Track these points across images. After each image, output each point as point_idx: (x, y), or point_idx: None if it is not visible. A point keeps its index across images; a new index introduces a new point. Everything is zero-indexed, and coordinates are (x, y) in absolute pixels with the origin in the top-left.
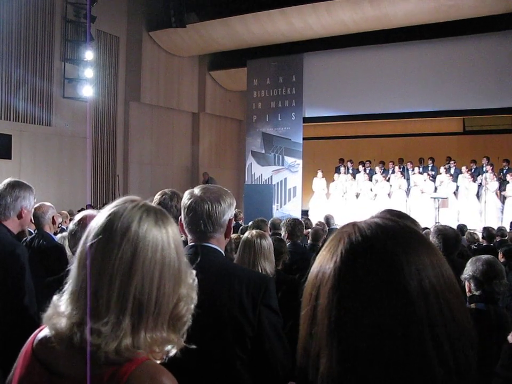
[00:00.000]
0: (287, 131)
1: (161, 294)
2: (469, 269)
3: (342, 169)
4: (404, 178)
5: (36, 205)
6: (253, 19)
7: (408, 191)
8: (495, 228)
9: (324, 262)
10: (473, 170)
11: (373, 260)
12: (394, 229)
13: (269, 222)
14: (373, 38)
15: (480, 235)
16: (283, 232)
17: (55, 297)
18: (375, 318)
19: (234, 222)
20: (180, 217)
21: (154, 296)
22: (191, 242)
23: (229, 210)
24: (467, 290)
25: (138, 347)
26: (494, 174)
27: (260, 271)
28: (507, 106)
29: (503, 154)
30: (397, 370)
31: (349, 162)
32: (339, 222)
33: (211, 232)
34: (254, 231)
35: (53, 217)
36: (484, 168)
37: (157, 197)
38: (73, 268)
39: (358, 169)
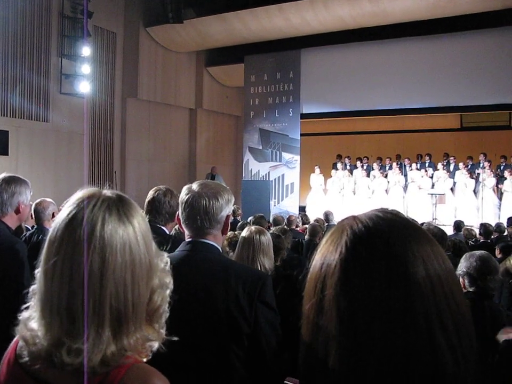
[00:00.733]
0: (285, 127)
1: (136, 295)
2: (463, 265)
3: (340, 165)
4: (401, 174)
5: (37, 201)
6: (250, 15)
7: (405, 187)
8: (492, 224)
9: (327, 254)
10: (469, 166)
11: (379, 249)
12: (396, 220)
13: (271, 218)
14: (370, 34)
15: (477, 231)
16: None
17: (25, 314)
18: (384, 307)
19: (233, 218)
20: (175, 213)
21: (130, 299)
22: (188, 238)
23: (226, 207)
24: (461, 286)
25: (125, 351)
26: (491, 171)
27: (259, 267)
28: (504, 102)
29: (500, 150)
30: (408, 359)
31: (346, 159)
32: (337, 218)
33: (208, 228)
34: (253, 227)
35: (53, 213)
36: (481, 164)
37: (151, 192)
38: (39, 281)
39: (355, 165)
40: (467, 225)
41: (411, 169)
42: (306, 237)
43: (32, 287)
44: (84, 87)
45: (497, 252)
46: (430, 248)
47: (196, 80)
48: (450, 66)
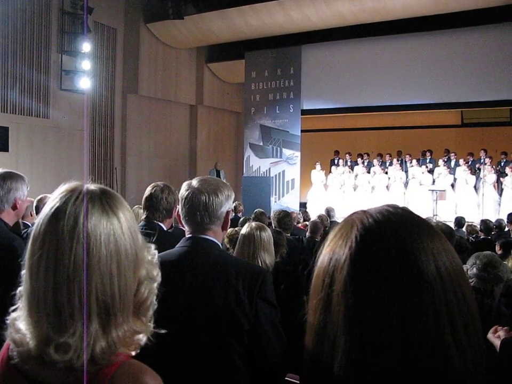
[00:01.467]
0: (285, 123)
1: (123, 287)
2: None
3: (341, 161)
4: (402, 170)
5: (38, 197)
6: (251, 11)
7: (406, 184)
8: (493, 220)
9: (336, 248)
10: (470, 162)
11: (389, 244)
12: (406, 216)
13: (272, 214)
14: (371, 30)
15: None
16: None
17: (13, 314)
18: (393, 303)
19: (233, 215)
20: (172, 209)
21: (117, 291)
22: (188, 234)
23: (226, 203)
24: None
25: (115, 347)
26: (492, 167)
27: (260, 263)
28: (505, 98)
29: (501, 146)
30: (416, 356)
31: (347, 155)
32: (338, 214)
33: (208, 224)
34: (253, 223)
35: None
36: (482, 161)
37: (148, 189)
38: (25, 279)
39: (356, 161)
40: (468, 221)
41: (412, 166)
42: (307, 233)
43: (19, 289)
44: (84, 83)
45: (497, 248)
46: (440, 244)
47: (197, 77)
48: (451, 62)
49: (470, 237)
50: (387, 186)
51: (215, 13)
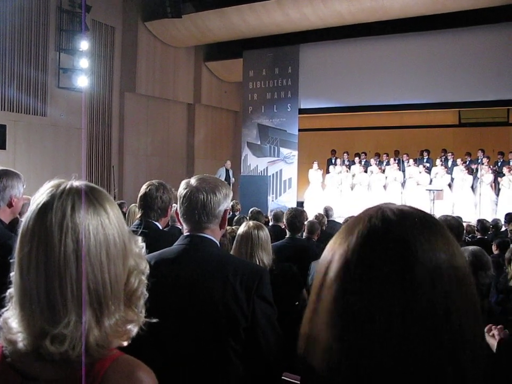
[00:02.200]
0: (283, 122)
1: (113, 275)
2: None
3: (338, 161)
4: (399, 170)
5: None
6: (249, 10)
7: (403, 183)
8: (490, 220)
9: (338, 241)
10: (467, 162)
11: (388, 243)
12: (416, 216)
13: (271, 213)
14: (369, 29)
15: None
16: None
17: (5, 314)
18: (387, 301)
19: (231, 213)
20: (168, 208)
21: (107, 279)
22: (186, 232)
23: (224, 201)
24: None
25: (107, 336)
26: (489, 167)
27: (258, 262)
28: (503, 98)
29: (498, 146)
30: (415, 357)
31: (345, 154)
32: (335, 213)
33: (205, 222)
34: (251, 222)
35: None
36: (480, 161)
37: (143, 187)
38: (15, 277)
39: (353, 161)
40: (465, 221)
41: (409, 165)
42: (304, 234)
43: (9, 291)
44: (82, 82)
45: (494, 248)
46: (445, 247)
47: (195, 75)
48: (448, 62)
49: (467, 237)
50: (384, 186)
51: (213, 12)
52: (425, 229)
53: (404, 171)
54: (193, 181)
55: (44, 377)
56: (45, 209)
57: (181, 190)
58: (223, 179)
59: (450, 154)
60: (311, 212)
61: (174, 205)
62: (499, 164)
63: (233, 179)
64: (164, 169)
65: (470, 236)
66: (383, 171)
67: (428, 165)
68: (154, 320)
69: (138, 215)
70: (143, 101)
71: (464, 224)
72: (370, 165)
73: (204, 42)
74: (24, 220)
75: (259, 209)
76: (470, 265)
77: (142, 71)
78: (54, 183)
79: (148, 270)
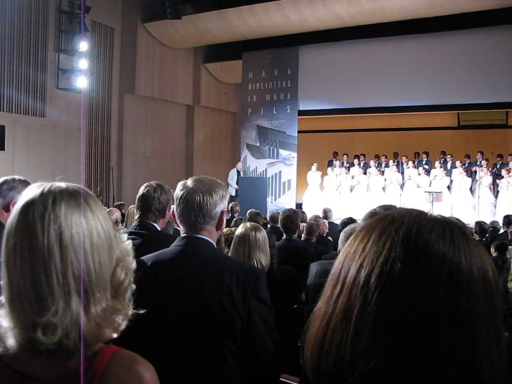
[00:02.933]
0: (282, 124)
1: (97, 263)
2: None
3: (338, 162)
4: (399, 172)
5: None
6: (248, 11)
7: (402, 185)
8: (488, 222)
9: (367, 244)
10: (466, 165)
11: (430, 251)
12: (454, 225)
13: (268, 215)
14: (368, 31)
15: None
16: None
17: None
18: (438, 313)
19: (230, 215)
20: (166, 209)
21: (92, 267)
22: (183, 233)
23: (221, 203)
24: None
25: (97, 325)
26: (488, 169)
27: (255, 263)
28: (501, 101)
29: (496, 149)
30: (450, 368)
31: (344, 156)
32: (334, 215)
33: (202, 224)
34: (248, 224)
35: None
36: (478, 163)
37: (141, 189)
38: (3, 274)
39: (352, 163)
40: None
41: (408, 167)
42: (303, 235)
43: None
44: (81, 82)
45: (492, 250)
46: (478, 250)
47: (194, 77)
48: (447, 64)
49: None
50: (383, 188)
51: (213, 13)
52: (463, 237)
53: (403, 173)
54: (189, 182)
55: (43, 375)
56: (27, 206)
57: (178, 192)
58: (234, 181)
59: (449, 156)
60: (310, 213)
61: (172, 206)
62: (498, 166)
63: None
64: (163, 170)
65: None
66: (382, 173)
67: (427, 167)
68: (142, 311)
69: (136, 216)
70: (142, 102)
71: (468, 226)
72: (370, 167)
73: (203, 43)
74: (9, 222)
75: (257, 211)
76: None
77: (141, 72)
78: (37, 184)
79: (135, 265)
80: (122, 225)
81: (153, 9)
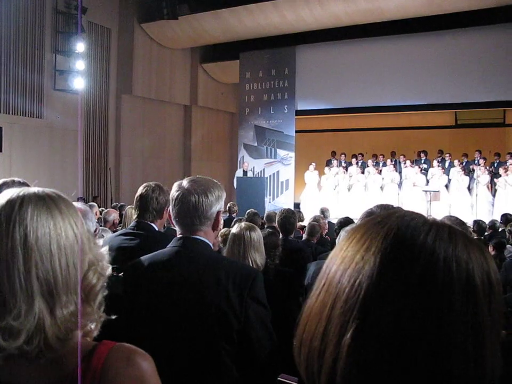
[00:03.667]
0: (280, 124)
1: (64, 266)
2: None
3: (335, 162)
4: (396, 171)
5: None
6: (245, 11)
7: (400, 184)
8: (486, 221)
9: (357, 247)
10: (464, 163)
11: (414, 253)
12: (440, 225)
13: (264, 214)
14: (365, 30)
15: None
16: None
17: None
18: (428, 320)
19: (228, 216)
20: (164, 210)
21: (58, 269)
22: (179, 234)
23: (216, 203)
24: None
25: (62, 329)
26: (486, 168)
27: (250, 263)
28: (499, 99)
29: (494, 147)
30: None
31: (342, 155)
32: (332, 215)
33: (198, 224)
34: (243, 224)
35: None
36: (476, 162)
37: (140, 189)
38: None
39: (350, 162)
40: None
41: (406, 166)
42: (304, 236)
43: None
44: (78, 83)
45: (490, 248)
46: (481, 254)
47: (191, 77)
48: (445, 63)
49: None
50: (381, 187)
51: (210, 14)
52: (466, 241)
53: (400, 172)
54: (185, 182)
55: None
56: None
57: (173, 192)
58: None
59: (447, 155)
60: (308, 213)
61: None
62: (495, 164)
63: None
64: (161, 171)
65: None
66: (380, 172)
67: (425, 166)
68: (112, 317)
69: (134, 217)
70: (139, 102)
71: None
72: (367, 166)
73: (200, 43)
74: None
75: (256, 211)
76: None
77: (138, 73)
78: (9, 190)
79: (110, 271)
80: (120, 226)
81: (150, 10)
